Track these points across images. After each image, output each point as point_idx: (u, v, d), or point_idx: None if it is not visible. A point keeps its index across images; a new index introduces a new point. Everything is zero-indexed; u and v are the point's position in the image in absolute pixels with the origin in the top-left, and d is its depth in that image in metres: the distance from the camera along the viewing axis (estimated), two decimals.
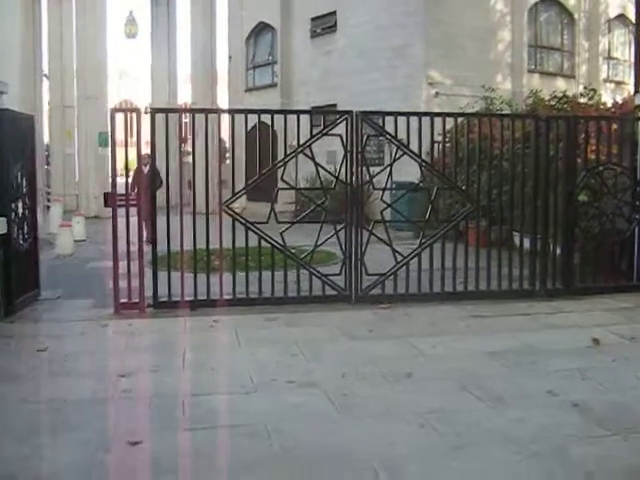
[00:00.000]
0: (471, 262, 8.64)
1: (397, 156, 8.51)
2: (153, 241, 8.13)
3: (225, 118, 8.41)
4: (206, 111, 8.64)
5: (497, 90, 17.17)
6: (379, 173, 8.53)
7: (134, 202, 8.31)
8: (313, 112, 9.53)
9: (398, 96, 17.76)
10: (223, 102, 25.27)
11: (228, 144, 8.85)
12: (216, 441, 4.34)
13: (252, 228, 8.27)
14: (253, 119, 8.23)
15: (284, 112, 8.96)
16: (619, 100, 13.81)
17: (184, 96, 27.70)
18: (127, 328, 7.31)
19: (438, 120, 8.69)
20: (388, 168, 8.48)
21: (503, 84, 19.50)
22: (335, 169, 8.45)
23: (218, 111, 9.45)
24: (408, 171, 9.40)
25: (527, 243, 8.99)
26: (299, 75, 23.71)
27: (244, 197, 10.68)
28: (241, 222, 8.27)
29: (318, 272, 8.57)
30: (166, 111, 8.48)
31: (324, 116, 8.73)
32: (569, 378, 5.53)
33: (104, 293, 8.43)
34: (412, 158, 8.61)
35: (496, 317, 7.83)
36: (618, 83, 23.14)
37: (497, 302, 8.46)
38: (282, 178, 8.43)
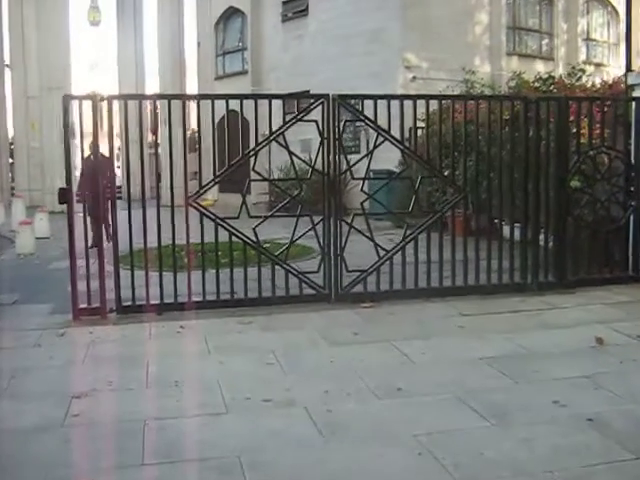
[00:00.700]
0: (458, 254, 8.05)
1: (378, 142, 7.89)
2: (114, 240, 7.47)
3: (194, 108, 7.72)
4: (169, 97, 7.93)
5: (476, 73, 16.62)
6: (359, 161, 7.90)
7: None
8: (286, 96, 8.83)
9: (374, 81, 17.06)
10: (193, 91, 24.57)
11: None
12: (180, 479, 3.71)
13: (222, 224, 7.62)
14: (224, 109, 7.57)
15: (254, 97, 8.27)
16: (599, 82, 13.27)
17: (153, 86, 26.88)
18: (87, 337, 6.63)
19: (420, 104, 8.07)
20: (368, 155, 7.87)
21: (482, 67, 18.95)
22: (310, 158, 7.83)
23: (183, 97, 8.73)
24: (388, 157, 8.78)
25: (517, 233, 8.42)
26: (270, 61, 22.97)
27: (216, 189, 10.05)
28: (210, 217, 7.61)
29: (295, 270, 7.95)
30: (125, 97, 7.75)
31: (298, 101, 8.07)
32: (577, 386, 4.97)
33: (65, 297, 7.68)
34: (393, 144, 7.99)
35: (487, 315, 7.23)
36: (597, 65, 22.66)
37: (487, 298, 7.87)
38: (253, 169, 7.80)
